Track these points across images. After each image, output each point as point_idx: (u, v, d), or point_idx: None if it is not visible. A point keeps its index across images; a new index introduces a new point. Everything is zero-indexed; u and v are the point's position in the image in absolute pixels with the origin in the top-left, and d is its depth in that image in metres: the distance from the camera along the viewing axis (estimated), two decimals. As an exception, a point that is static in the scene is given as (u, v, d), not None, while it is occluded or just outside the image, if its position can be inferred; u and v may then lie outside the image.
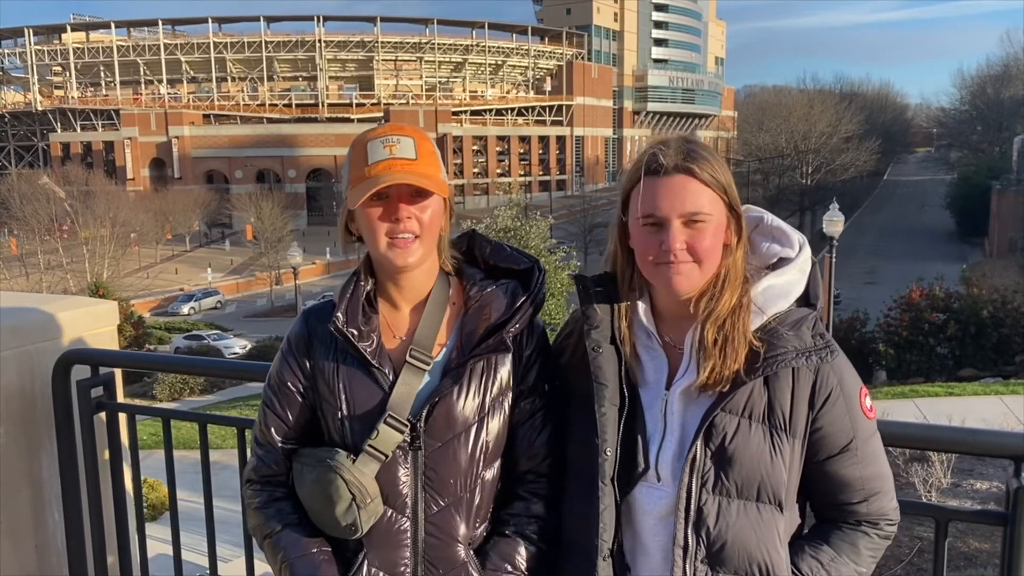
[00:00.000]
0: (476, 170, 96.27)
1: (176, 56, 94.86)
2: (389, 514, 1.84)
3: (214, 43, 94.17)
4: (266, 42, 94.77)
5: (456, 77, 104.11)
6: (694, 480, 1.69)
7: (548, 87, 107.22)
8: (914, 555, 6.66)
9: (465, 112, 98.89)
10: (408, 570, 1.85)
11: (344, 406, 1.86)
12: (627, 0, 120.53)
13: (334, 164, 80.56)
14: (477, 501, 1.88)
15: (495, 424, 1.88)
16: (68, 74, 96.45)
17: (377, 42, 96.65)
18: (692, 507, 1.69)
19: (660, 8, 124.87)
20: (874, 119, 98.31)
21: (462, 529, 1.86)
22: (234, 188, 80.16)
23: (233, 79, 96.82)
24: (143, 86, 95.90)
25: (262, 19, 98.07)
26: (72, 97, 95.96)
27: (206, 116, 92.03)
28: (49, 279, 50.20)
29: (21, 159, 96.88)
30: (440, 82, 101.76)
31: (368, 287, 1.92)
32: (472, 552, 1.87)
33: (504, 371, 1.89)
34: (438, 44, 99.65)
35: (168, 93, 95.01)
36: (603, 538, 1.74)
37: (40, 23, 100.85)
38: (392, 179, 1.77)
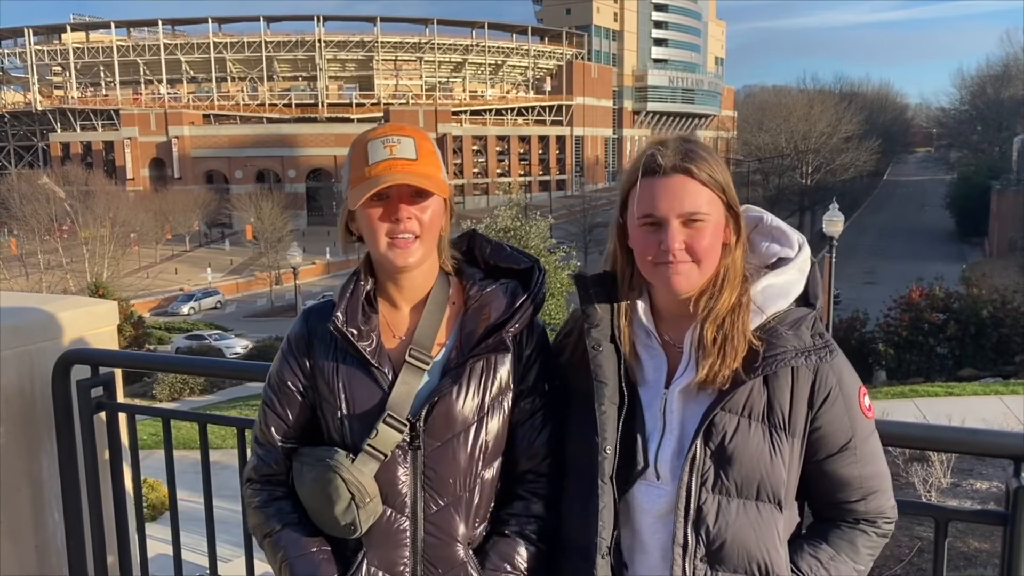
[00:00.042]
0: (476, 170, 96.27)
1: (176, 56, 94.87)
2: (388, 513, 1.84)
3: (214, 43, 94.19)
4: (266, 42, 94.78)
5: (456, 77, 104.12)
6: (694, 479, 1.69)
7: (548, 87, 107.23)
8: (914, 555, 6.66)
9: (465, 112, 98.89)
10: (407, 569, 1.85)
11: (344, 405, 1.86)
12: (627, 0, 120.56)
13: (334, 164, 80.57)
14: (476, 501, 1.88)
15: (495, 424, 1.88)
16: (68, 74, 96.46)
17: (377, 42, 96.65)
18: (692, 506, 1.70)
19: (660, 8, 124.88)
20: (874, 119, 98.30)
21: (461, 529, 1.86)
22: (234, 188, 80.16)
23: (233, 79, 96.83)
24: (143, 86, 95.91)
25: (262, 19, 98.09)
26: (72, 97, 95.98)
27: (206, 116, 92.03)
28: (49, 279, 50.19)
29: (21, 159, 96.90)
30: (440, 82, 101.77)
31: (368, 287, 1.92)
32: (471, 552, 1.87)
33: (504, 371, 1.89)
34: (438, 44, 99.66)
35: (168, 93, 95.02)
36: (602, 536, 1.74)
37: (40, 23, 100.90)
38: (392, 179, 1.77)
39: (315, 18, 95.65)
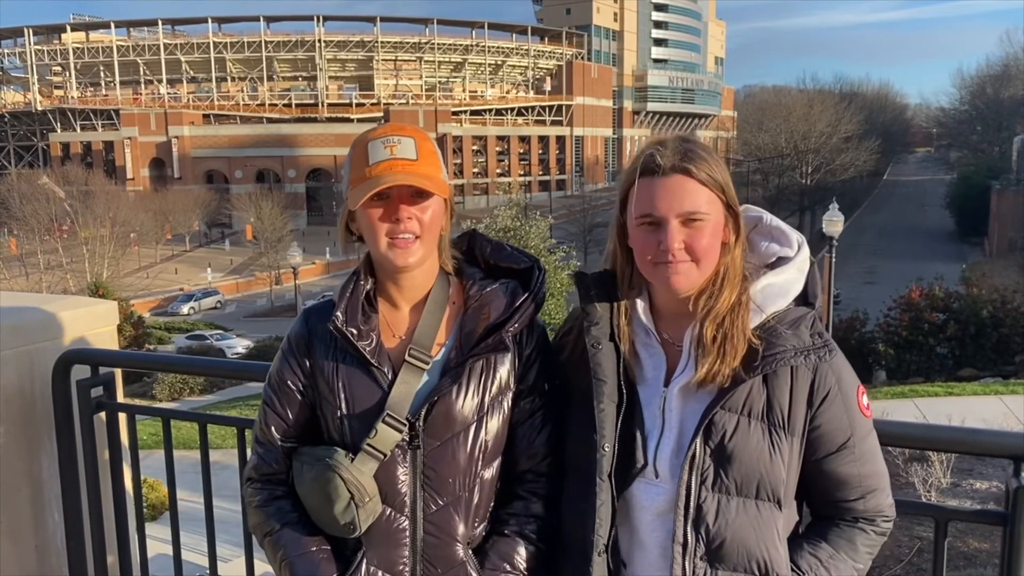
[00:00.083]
0: (476, 170, 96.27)
1: (176, 56, 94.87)
2: (388, 513, 1.84)
3: (214, 43, 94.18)
4: (266, 42, 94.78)
5: (456, 77, 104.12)
6: (693, 477, 1.70)
7: (548, 87, 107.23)
8: (914, 555, 6.66)
9: (465, 112, 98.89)
10: (407, 569, 1.85)
11: (343, 405, 1.87)
12: (627, 0, 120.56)
13: (334, 164, 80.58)
14: (476, 500, 1.88)
15: (494, 423, 1.88)
16: (68, 74, 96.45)
17: (377, 42, 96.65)
18: (692, 504, 1.70)
19: (660, 8, 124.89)
20: (874, 119, 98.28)
21: (461, 528, 1.86)
22: (234, 188, 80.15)
23: (233, 79, 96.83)
24: (143, 86, 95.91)
25: (262, 19, 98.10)
26: (72, 97, 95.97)
27: (206, 116, 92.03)
28: (49, 279, 50.17)
29: (21, 159, 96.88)
30: (440, 82, 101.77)
31: (368, 286, 1.92)
32: (471, 551, 1.87)
33: (504, 370, 1.89)
34: (438, 44, 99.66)
35: (168, 93, 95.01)
36: (599, 533, 1.74)
37: (40, 23, 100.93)
38: (393, 180, 1.77)
39: (315, 18, 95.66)
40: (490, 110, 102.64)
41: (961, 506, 6.35)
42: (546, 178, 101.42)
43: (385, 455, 1.81)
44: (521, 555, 1.88)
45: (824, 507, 1.80)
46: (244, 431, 2.74)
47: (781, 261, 1.80)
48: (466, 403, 1.85)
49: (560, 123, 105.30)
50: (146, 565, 3.30)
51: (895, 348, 18.01)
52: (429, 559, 1.85)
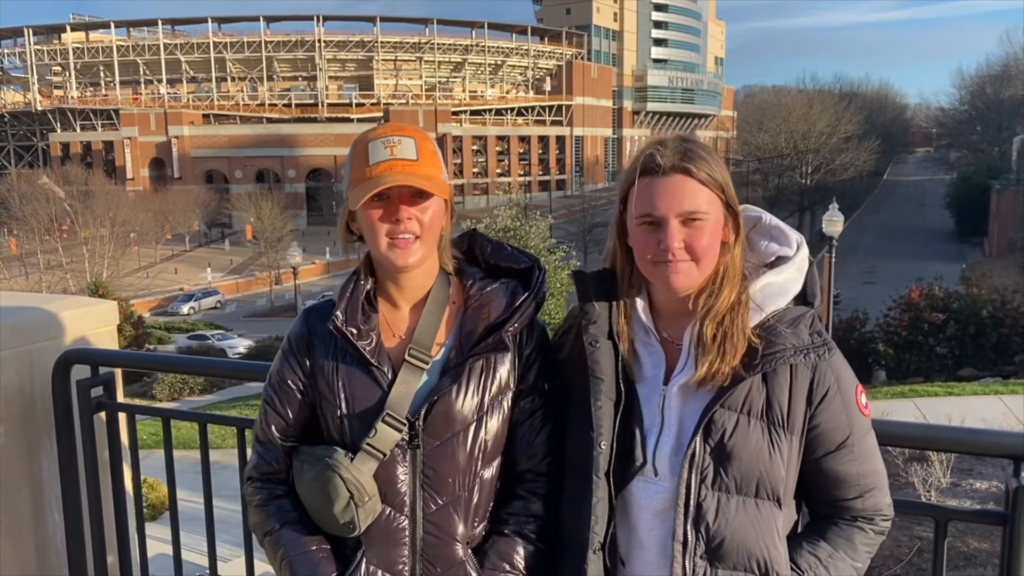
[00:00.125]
0: (476, 170, 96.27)
1: (176, 56, 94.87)
2: (388, 512, 1.84)
3: (214, 43, 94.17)
4: (266, 42, 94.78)
5: (456, 77, 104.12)
6: (693, 476, 1.70)
7: (548, 87, 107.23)
8: (914, 555, 6.66)
9: (465, 112, 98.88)
10: (406, 568, 1.85)
11: (343, 404, 1.87)
12: (627, 0, 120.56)
13: (334, 164, 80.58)
14: (476, 500, 1.88)
15: (494, 423, 1.88)
16: (68, 74, 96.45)
17: (377, 42, 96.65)
18: (691, 503, 1.70)
19: (660, 8, 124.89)
20: (873, 119, 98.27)
21: (460, 528, 1.86)
22: (234, 188, 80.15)
23: (233, 79, 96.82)
24: (143, 86, 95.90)
25: (262, 19, 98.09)
26: (72, 97, 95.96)
27: (206, 116, 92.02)
28: (49, 279, 50.15)
29: (21, 159, 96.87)
30: (440, 82, 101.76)
31: (368, 286, 1.92)
32: (470, 551, 1.88)
33: (503, 370, 1.89)
34: (438, 44, 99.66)
35: (168, 93, 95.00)
36: (595, 531, 1.75)
37: (40, 23, 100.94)
38: (393, 180, 1.77)
39: (315, 18, 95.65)
40: (490, 110, 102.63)
41: (961, 506, 6.36)
42: (546, 178, 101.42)
43: (385, 454, 1.82)
44: (520, 555, 1.88)
45: (823, 506, 1.80)
46: (244, 431, 2.74)
47: (780, 260, 1.80)
48: (466, 403, 1.85)
49: (560, 123, 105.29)
50: (146, 565, 3.30)
51: (895, 348, 18.02)
52: (429, 558, 1.85)
